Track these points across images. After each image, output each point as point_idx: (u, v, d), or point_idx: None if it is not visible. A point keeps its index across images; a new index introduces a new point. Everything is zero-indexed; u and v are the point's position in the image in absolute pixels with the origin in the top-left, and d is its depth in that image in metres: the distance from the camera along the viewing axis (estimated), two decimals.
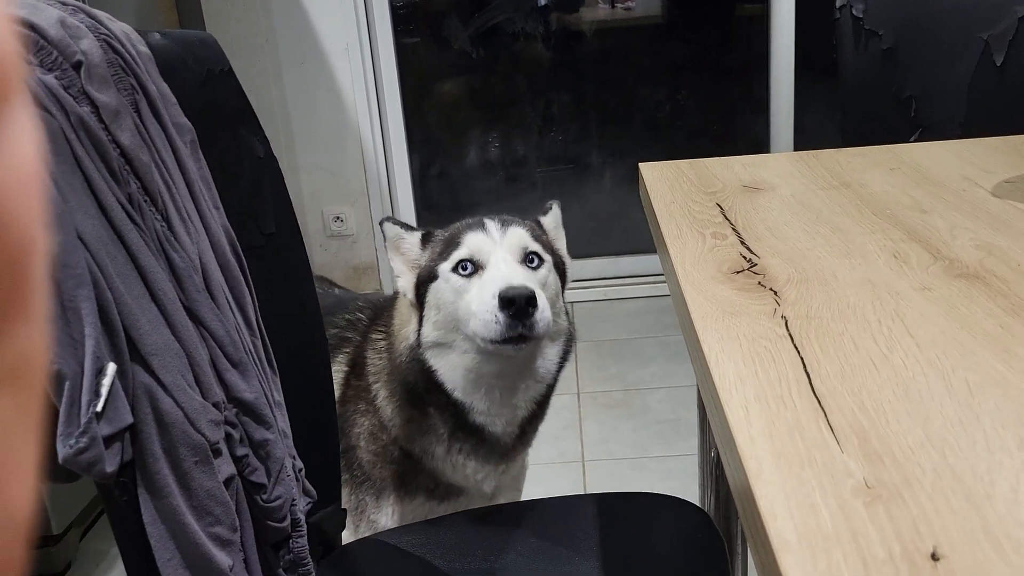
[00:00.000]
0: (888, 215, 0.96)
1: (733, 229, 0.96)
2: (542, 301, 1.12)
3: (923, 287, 0.76)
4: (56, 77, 0.74)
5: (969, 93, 1.52)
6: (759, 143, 3.31)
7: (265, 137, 0.99)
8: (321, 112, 3.09)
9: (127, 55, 0.80)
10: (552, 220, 1.34)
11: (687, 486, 1.71)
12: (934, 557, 0.43)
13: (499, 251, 1.18)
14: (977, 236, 0.87)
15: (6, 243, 0.18)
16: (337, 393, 1.29)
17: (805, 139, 3.20)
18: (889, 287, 0.76)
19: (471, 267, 1.18)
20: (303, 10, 2.98)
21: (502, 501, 1.33)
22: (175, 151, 0.82)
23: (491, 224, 1.22)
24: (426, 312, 1.22)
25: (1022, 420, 0.54)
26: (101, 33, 0.79)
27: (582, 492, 2.09)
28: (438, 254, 1.22)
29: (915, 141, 1.56)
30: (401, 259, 1.28)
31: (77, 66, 0.75)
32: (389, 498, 1.29)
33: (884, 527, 0.46)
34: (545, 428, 2.33)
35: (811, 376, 0.62)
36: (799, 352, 0.66)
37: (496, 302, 1.10)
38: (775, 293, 0.77)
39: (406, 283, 1.26)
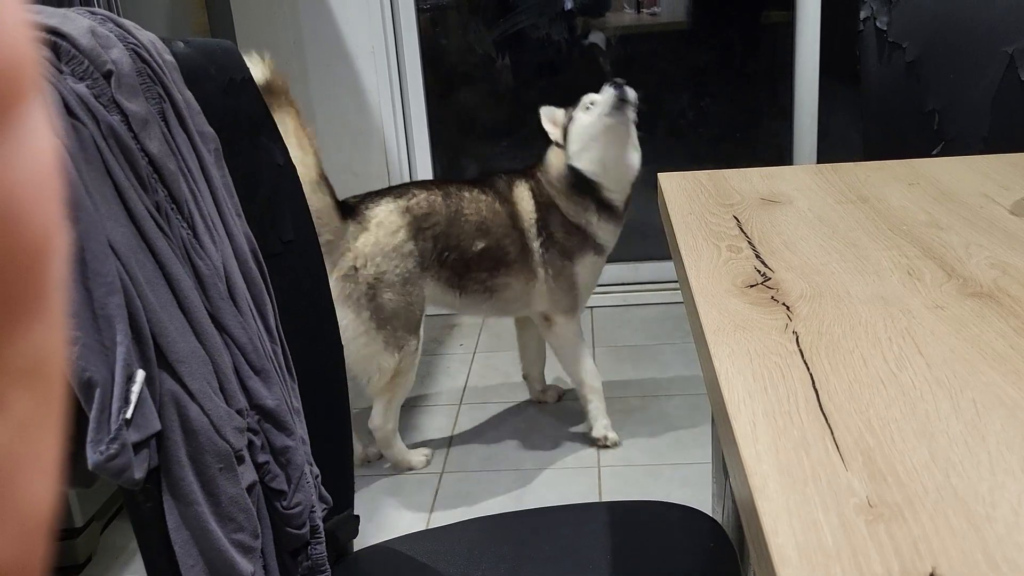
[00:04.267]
0: (904, 231, 0.96)
1: (749, 242, 0.97)
2: (631, 92, 2.08)
3: (936, 305, 0.76)
4: (88, 86, 0.76)
5: (993, 107, 1.51)
6: (782, 151, 3.30)
7: (284, 145, 1.01)
8: (346, 113, 3.12)
9: (154, 64, 0.82)
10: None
11: (703, 494, 1.71)
12: None
13: (608, 89, 2.10)
14: (993, 254, 0.87)
15: (22, 243, 0.18)
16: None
17: (829, 146, 3.18)
18: (902, 304, 0.77)
19: (590, 105, 2.13)
20: (330, 13, 3.01)
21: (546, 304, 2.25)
22: (200, 159, 0.84)
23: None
24: (569, 141, 2.14)
25: None
26: (130, 42, 0.81)
27: (597, 498, 2.10)
28: (574, 110, 2.16)
29: (937, 155, 1.56)
30: (552, 125, 2.20)
31: (108, 75, 0.77)
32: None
33: (884, 546, 0.47)
34: (561, 433, 2.35)
35: (819, 393, 0.63)
36: (809, 368, 0.66)
37: (612, 88, 2.07)
38: (787, 308, 0.78)
39: (558, 134, 2.18)
